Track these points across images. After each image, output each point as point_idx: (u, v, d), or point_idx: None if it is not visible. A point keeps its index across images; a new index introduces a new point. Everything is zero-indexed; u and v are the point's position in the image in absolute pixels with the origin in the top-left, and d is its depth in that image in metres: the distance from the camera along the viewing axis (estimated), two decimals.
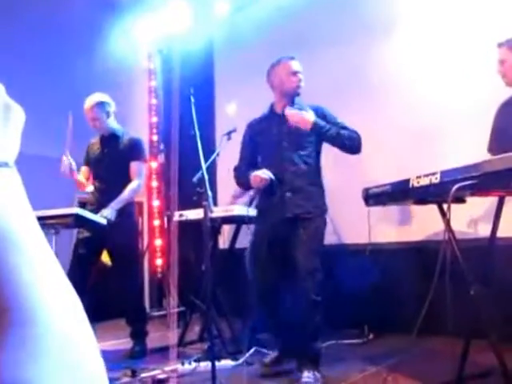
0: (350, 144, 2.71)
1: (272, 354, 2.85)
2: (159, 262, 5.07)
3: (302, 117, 2.61)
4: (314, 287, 2.55)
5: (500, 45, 2.72)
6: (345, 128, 2.74)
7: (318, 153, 2.79)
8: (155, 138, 5.23)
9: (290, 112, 2.63)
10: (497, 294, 2.45)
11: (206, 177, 2.34)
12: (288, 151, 2.70)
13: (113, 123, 3.47)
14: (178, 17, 4.83)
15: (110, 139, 3.48)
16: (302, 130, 2.66)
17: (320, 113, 2.74)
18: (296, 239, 2.60)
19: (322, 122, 2.65)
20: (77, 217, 2.92)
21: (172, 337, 3.53)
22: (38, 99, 4.14)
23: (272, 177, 2.63)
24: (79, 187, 3.51)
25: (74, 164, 3.30)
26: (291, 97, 2.80)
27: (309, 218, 2.64)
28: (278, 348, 2.84)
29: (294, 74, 2.77)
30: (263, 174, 2.64)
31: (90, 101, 3.37)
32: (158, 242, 5.11)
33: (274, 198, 2.68)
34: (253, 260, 2.73)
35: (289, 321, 2.69)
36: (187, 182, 3.09)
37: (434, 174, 2.09)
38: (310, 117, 2.62)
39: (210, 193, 2.34)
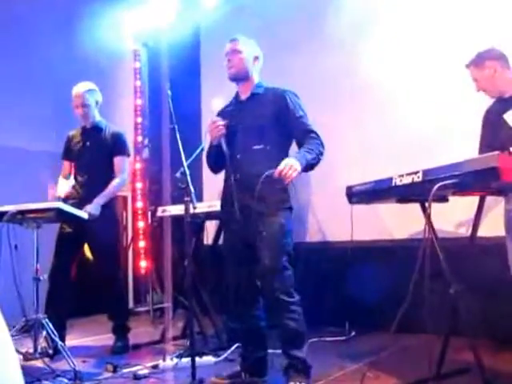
0: (319, 160, 2.42)
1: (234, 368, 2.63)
2: (143, 263, 5.04)
3: (291, 172, 2.23)
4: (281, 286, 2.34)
5: (467, 66, 2.67)
6: (311, 136, 2.43)
7: (278, 147, 2.49)
8: (140, 138, 5.19)
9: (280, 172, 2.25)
10: (476, 293, 2.48)
11: (188, 172, 2.32)
12: (248, 145, 2.48)
13: (97, 114, 3.46)
14: (163, 10, 4.78)
15: (92, 131, 3.45)
16: (262, 123, 2.46)
17: (282, 100, 2.48)
18: (258, 238, 2.39)
19: (303, 159, 2.31)
20: (58, 211, 2.88)
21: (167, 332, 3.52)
22: (18, 92, 4.11)
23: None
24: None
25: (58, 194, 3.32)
26: (237, 82, 2.58)
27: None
28: (241, 362, 2.61)
29: (225, 56, 2.55)
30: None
31: (81, 87, 3.37)
32: (142, 244, 5.08)
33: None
34: (228, 259, 2.57)
35: (257, 328, 2.53)
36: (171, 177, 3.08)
37: (416, 172, 2.11)
38: (296, 165, 2.25)
39: (192, 188, 2.32)
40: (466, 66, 2.70)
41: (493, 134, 2.70)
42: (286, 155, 2.45)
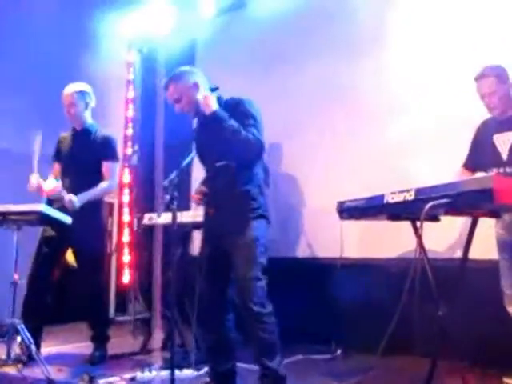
0: (244, 147, 2.39)
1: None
2: (126, 272, 4.92)
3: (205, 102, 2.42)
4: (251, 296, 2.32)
5: (482, 76, 2.62)
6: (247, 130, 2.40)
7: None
8: (130, 144, 5.11)
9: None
10: (465, 316, 2.43)
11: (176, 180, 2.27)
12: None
13: (88, 117, 3.42)
14: (159, 18, 4.76)
15: (82, 134, 3.40)
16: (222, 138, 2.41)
17: (236, 109, 2.45)
18: (233, 250, 2.42)
19: (226, 116, 2.39)
20: (41, 214, 2.81)
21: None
22: (4, 95, 4.05)
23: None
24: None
25: (42, 182, 3.22)
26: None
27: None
28: (210, 372, 2.59)
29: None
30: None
31: (72, 87, 3.34)
32: (126, 252, 4.97)
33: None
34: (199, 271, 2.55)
35: (226, 339, 2.50)
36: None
37: (408, 191, 2.08)
38: (212, 101, 2.41)
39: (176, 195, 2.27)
40: (480, 76, 2.63)
41: (481, 152, 2.68)
42: (253, 169, 2.48)
